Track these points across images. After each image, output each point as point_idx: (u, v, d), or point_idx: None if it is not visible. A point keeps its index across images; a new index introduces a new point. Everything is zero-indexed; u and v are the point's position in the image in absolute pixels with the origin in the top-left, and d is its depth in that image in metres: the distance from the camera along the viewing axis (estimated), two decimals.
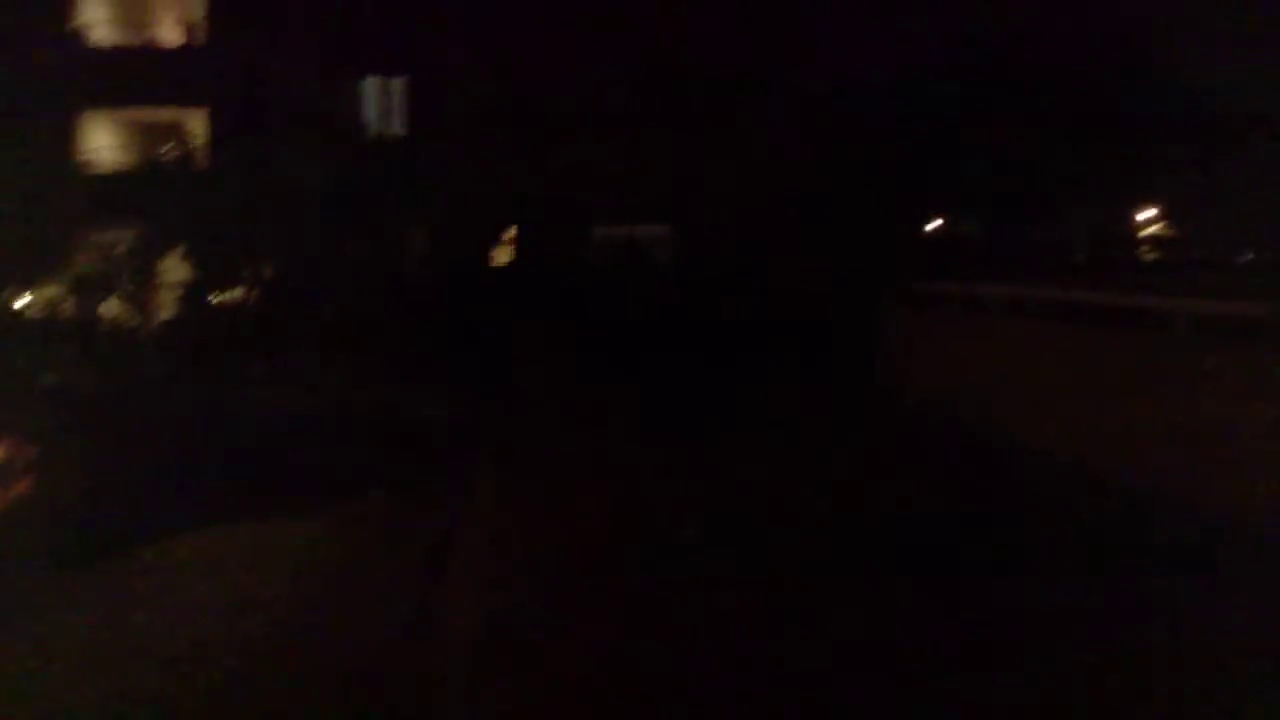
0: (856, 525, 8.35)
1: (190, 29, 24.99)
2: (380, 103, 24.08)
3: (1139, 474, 9.08)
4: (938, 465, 10.69)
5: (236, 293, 18.39)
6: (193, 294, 16.98)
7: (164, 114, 25.26)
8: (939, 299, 15.36)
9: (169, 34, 25.89)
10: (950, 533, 8.06)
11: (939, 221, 34.86)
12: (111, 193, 20.39)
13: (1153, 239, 37.87)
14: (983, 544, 7.74)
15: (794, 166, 24.98)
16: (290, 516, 8.84)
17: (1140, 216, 37.46)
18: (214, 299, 17.99)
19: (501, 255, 24.65)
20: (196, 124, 23.89)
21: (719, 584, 6.86)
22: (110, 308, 16.55)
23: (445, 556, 7.80)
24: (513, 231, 24.36)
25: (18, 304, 17.32)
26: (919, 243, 32.46)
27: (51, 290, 16.95)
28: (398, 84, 23.97)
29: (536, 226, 23.63)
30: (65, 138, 24.27)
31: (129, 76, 24.00)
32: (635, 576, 7.13)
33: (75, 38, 24.74)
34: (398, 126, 24.11)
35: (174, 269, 17.99)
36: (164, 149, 21.22)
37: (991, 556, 7.42)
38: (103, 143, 25.24)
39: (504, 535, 8.24)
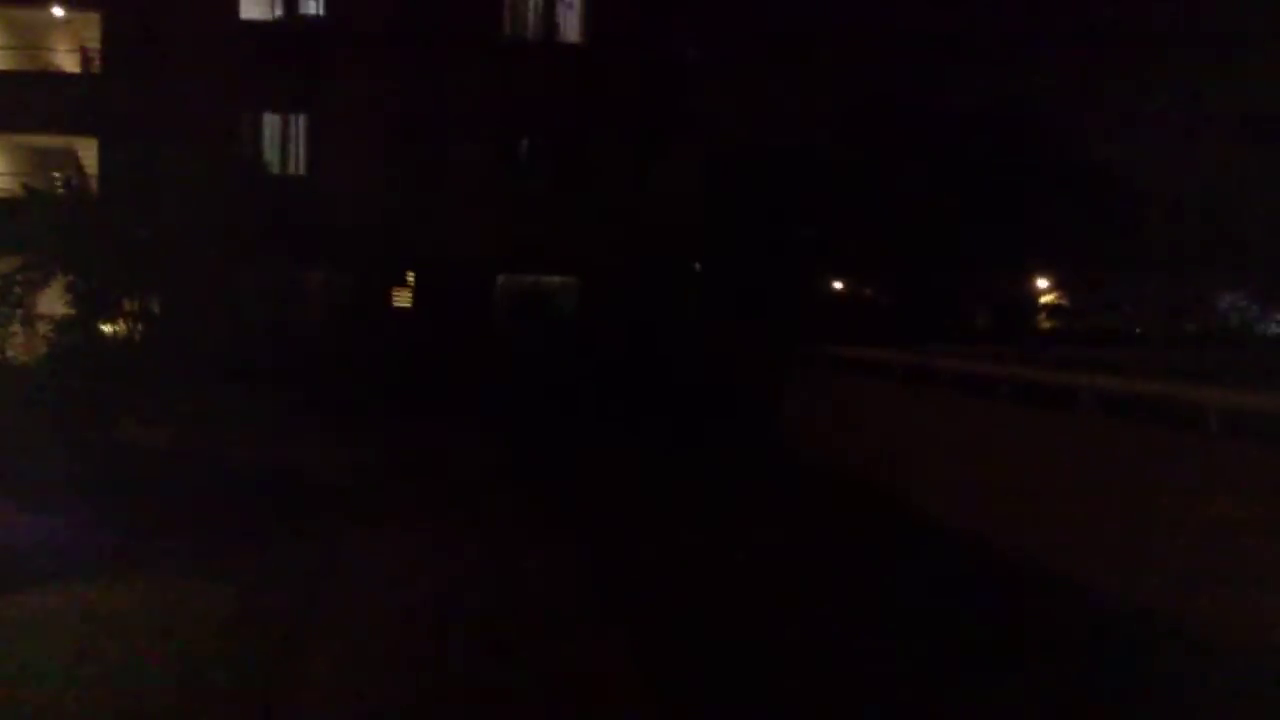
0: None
1: (86, 56, 24.27)
2: (281, 140, 23.51)
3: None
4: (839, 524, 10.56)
5: (120, 327, 17.64)
6: (70, 328, 16.18)
7: (56, 141, 24.49)
8: (839, 362, 15.45)
9: (64, 60, 25.15)
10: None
11: (840, 285, 35.27)
12: None
13: (1049, 307, 38.79)
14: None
15: (701, 225, 24.99)
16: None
17: (1039, 284, 38.34)
18: (98, 333, 17.24)
19: (403, 298, 24.14)
20: (88, 153, 23.17)
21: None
22: None
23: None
24: (413, 277, 23.86)
25: None
26: (823, 304, 32.82)
27: None
28: (299, 122, 23.41)
29: (436, 273, 23.16)
30: None
31: (20, 101, 23.21)
32: None
33: None
34: (299, 164, 23.53)
35: (54, 301, 17.22)
36: (52, 177, 20.43)
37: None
38: None
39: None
